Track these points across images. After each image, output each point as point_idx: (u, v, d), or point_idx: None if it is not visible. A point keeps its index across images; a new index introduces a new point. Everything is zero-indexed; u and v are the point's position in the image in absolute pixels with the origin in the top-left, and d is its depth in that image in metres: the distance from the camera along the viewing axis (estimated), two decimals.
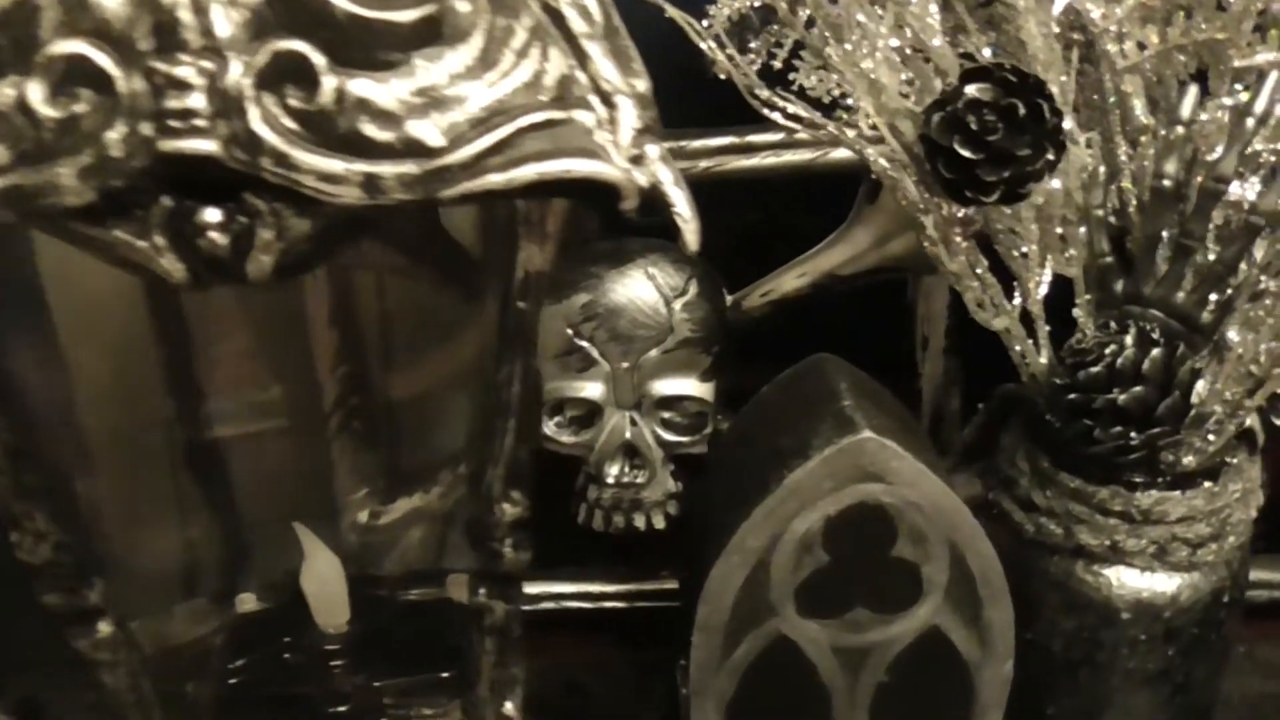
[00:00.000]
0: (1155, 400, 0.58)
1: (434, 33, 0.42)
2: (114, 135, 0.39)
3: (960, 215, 0.61)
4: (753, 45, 0.63)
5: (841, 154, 0.72)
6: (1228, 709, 0.72)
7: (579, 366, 0.71)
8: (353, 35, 0.41)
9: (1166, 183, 0.59)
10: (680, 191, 0.44)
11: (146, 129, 0.40)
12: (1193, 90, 0.59)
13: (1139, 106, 0.61)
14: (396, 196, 0.41)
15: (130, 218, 0.42)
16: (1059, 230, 0.61)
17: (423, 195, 0.41)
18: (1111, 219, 0.61)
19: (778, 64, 0.63)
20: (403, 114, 0.41)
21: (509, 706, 0.65)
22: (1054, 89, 0.56)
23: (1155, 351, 0.58)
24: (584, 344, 0.70)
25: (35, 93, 0.39)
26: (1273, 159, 0.59)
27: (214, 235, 0.42)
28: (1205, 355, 0.61)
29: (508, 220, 0.54)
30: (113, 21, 0.39)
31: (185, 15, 0.40)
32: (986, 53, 0.61)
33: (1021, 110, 0.54)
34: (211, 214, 0.42)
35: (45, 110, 0.39)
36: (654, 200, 0.44)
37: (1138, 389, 0.58)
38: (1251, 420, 0.64)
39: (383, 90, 0.41)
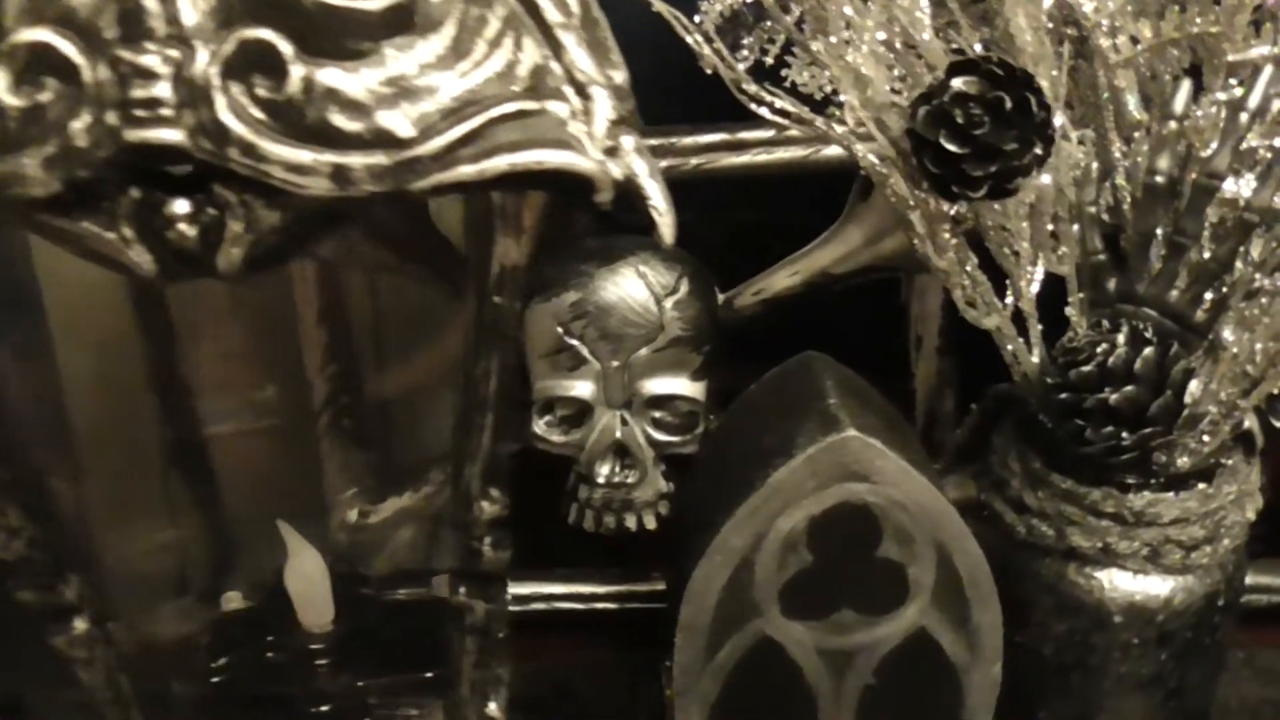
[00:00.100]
0: (1148, 400, 0.58)
1: (405, 21, 0.41)
2: (79, 125, 0.39)
3: (951, 212, 0.60)
4: (745, 42, 0.63)
5: (834, 151, 0.71)
6: (1226, 715, 0.72)
7: (569, 365, 0.70)
8: (321, 23, 0.40)
9: (1160, 179, 0.58)
10: (656, 184, 0.44)
11: (112, 118, 0.39)
12: (1186, 85, 0.58)
13: (1132, 102, 0.61)
14: (366, 188, 0.41)
15: (98, 209, 0.41)
16: (1051, 227, 0.60)
17: (393, 186, 0.41)
18: (1104, 216, 0.61)
19: (769, 60, 0.63)
20: (372, 104, 0.41)
21: (493, 707, 0.65)
22: (1043, 83, 0.56)
23: (1148, 350, 0.58)
24: (574, 342, 0.69)
25: None
26: (1268, 154, 0.58)
27: (182, 227, 0.42)
28: (1199, 354, 0.60)
29: (484, 214, 0.53)
30: (78, 9, 0.39)
31: (151, 3, 0.39)
32: (978, 48, 0.60)
33: (1008, 104, 0.54)
34: (180, 205, 0.41)
35: (9, 99, 0.39)
36: (629, 193, 0.44)
37: (1130, 388, 0.57)
38: (1250, 422, 0.63)
39: (352, 80, 0.41)
